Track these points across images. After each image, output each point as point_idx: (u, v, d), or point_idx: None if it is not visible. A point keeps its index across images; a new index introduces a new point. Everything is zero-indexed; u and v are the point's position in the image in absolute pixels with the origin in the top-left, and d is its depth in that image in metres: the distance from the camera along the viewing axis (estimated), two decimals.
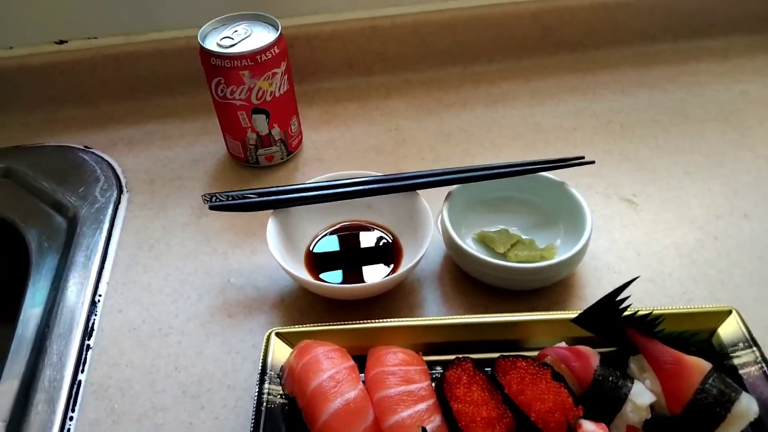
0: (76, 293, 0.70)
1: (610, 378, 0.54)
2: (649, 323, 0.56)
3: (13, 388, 0.62)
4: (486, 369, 0.56)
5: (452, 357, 0.57)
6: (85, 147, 0.91)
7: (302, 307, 0.68)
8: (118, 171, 0.87)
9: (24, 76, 0.94)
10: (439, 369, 0.60)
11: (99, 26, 0.93)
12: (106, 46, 0.94)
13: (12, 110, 0.97)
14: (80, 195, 0.82)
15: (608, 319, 0.57)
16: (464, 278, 0.70)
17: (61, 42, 0.94)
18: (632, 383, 0.54)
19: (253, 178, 0.84)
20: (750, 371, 0.57)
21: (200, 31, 0.77)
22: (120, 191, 0.83)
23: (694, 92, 0.96)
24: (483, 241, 0.72)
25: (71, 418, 0.60)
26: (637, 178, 0.82)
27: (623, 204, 0.78)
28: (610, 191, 0.80)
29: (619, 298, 0.56)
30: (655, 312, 0.57)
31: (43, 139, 0.93)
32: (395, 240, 0.72)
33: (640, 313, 0.57)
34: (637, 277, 0.57)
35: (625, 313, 0.57)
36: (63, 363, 0.64)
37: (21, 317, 0.68)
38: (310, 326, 0.61)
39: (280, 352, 0.60)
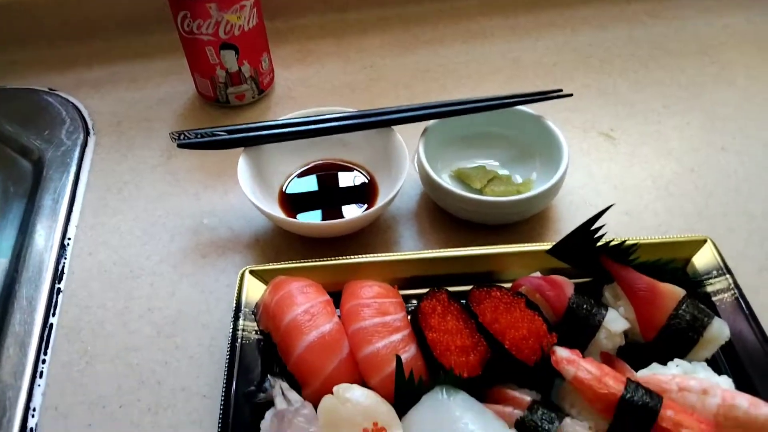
0: (45, 237, 0.68)
1: (584, 306, 0.54)
2: (623, 251, 0.56)
3: None
4: (461, 301, 0.56)
5: (428, 290, 0.57)
6: (50, 89, 0.88)
7: (277, 247, 0.67)
8: (84, 113, 0.84)
9: None
10: (414, 302, 0.59)
11: None
12: None
13: None
14: (46, 138, 0.79)
15: (583, 249, 0.57)
16: (441, 215, 0.69)
17: None
18: (606, 310, 0.54)
19: (223, 117, 0.82)
20: (723, 297, 0.58)
21: None
22: (87, 134, 0.80)
23: (675, 26, 0.94)
24: (459, 177, 0.71)
25: (44, 361, 0.59)
26: (615, 112, 0.81)
27: (601, 138, 0.77)
28: (588, 126, 0.79)
29: (593, 227, 0.56)
30: (629, 241, 0.57)
31: (5, 81, 0.89)
32: (371, 178, 0.71)
33: (614, 242, 0.56)
34: (611, 205, 0.56)
35: (600, 242, 0.56)
36: (33, 307, 0.62)
37: None
38: (285, 263, 0.60)
39: (255, 290, 0.59)
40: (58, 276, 0.65)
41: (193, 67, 0.81)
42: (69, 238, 0.69)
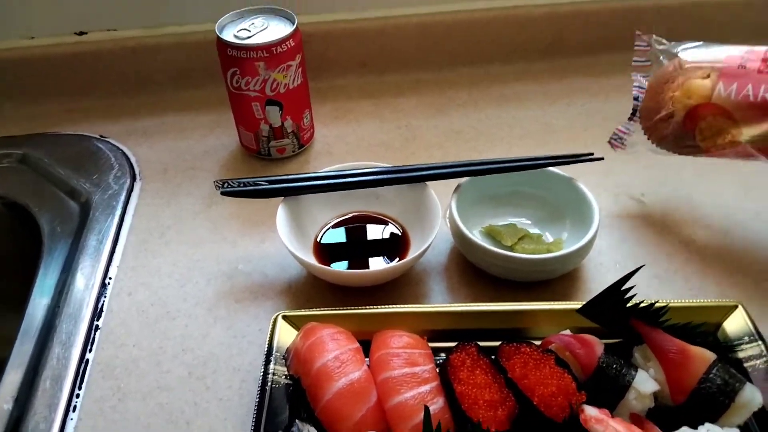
0: (87, 276, 0.71)
1: (614, 366, 0.53)
2: (653, 313, 0.56)
3: (22, 366, 0.63)
4: (491, 356, 0.56)
5: (456, 344, 0.57)
6: (101, 136, 0.92)
7: (309, 294, 0.69)
8: (132, 160, 0.88)
9: (44, 67, 0.96)
10: (442, 356, 0.60)
11: (119, 18, 0.95)
12: (125, 38, 0.96)
13: (31, 100, 0.98)
14: (94, 182, 0.83)
15: (613, 310, 0.57)
16: (471, 270, 0.70)
17: (81, 33, 0.96)
18: (636, 371, 0.53)
19: (264, 170, 0.85)
20: (755, 364, 0.57)
21: (218, 22, 0.78)
22: (133, 179, 0.84)
23: None
24: (490, 234, 0.72)
25: (77, 395, 0.60)
26: (646, 177, 0.82)
27: (632, 202, 0.78)
28: (619, 190, 0.80)
29: (623, 288, 0.56)
30: (659, 303, 0.57)
31: (60, 128, 0.94)
32: (404, 231, 0.73)
33: (644, 303, 0.57)
34: (642, 266, 0.56)
35: (630, 303, 0.57)
36: (71, 342, 0.64)
37: (31, 299, 0.69)
38: (317, 310, 0.62)
39: (286, 335, 0.60)
40: (97, 314, 0.67)
41: (239, 121, 0.85)
42: (110, 278, 0.71)
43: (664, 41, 0.70)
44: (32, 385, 0.61)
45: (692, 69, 0.68)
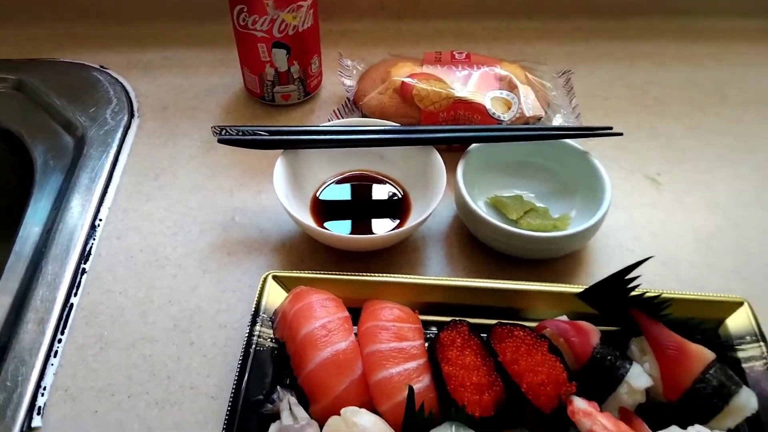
0: (77, 215, 0.69)
1: (609, 357, 0.52)
2: (655, 305, 0.54)
3: (5, 304, 0.62)
4: (482, 335, 0.55)
5: (449, 319, 0.55)
6: (101, 67, 0.89)
7: (303, 253, 0.67)
8: (132, 95, 0.85)
9: None
10: (434, 329, 0.58)
11: None
12: None
13: (31, 20, 0.94)
14: (90, 115, 0.80)
15: (614, 297, 0.55)
16: (471, 241, 0.68)
17: None
18: (630, 365, 0.52)
19: (266, 115, 0.82)
20: (754, 366, 0.55)
21: None
22: (131, 116, 0.81)
23: (737, 72, 0.91)
24: (495, 205, 0.69)
25: (59, 341, 0.59)
26: (664, 156, 0.78)
27: (646, 181, 0.75)
28: (635, 167, 0.77)
29: (628, 277, 0.54)
30: (663, 295, 0.55)
31: (60, 54, 0.91)
32: (405, 195, 0.70)
33: (647, 294, 0.54)
34: (649, 257, 0.54)
35: (633, 293, 0.55)
36: (56, 284, 0.63)
37: (20, 234, 0.67)
38: (309, 273, 0.60)
39: (276, 296, 0.59)
40: (84, 256, 0.66)
41: (244, 62, 0.81)
42: (100, 219, 0.69)
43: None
44: (15, 326, 0.60)
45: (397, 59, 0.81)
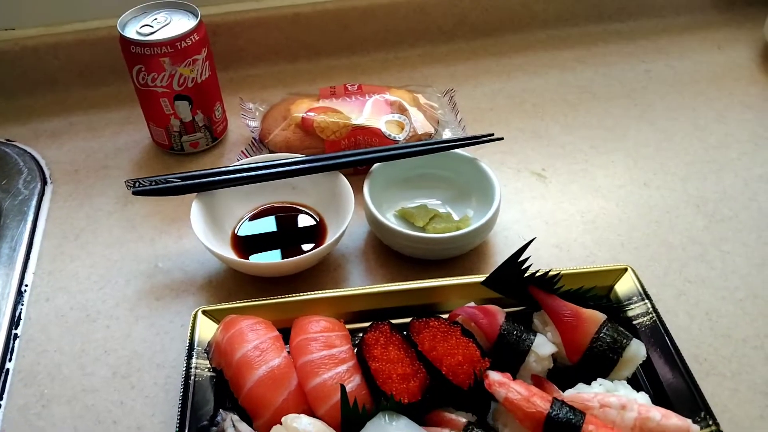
0: (2, 284, 0.70)
1: (515, 332, 0.58)
2: (548, 281, 0.61)
3: None
4: (404, 332, 0.60)
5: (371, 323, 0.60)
6: (7, 140, 0.90)
7: (230, 288, 0.71)
8: (42, 163, 0.86)
9: None
10: (361, 335, 0.63)
11: (17, 17, 0.92)
12: (25, 38, 0.93)
13: None
14: (3, 188, 0.82)
15: (513, 279, 0.62)
16: (386, 252, 0.74)
17: None
18: (535, 336, 0.58)
19: (178, 165, 0.85)
20: (642, 321, 0.63)
21: (119, 19, 0.78)
22: (44, 182, 0.83)
23: (601, 72, 1.02)
24: (404, 216, 0.75)
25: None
26: (546, 153, 0.87)
27: (533, 177, 0.83)
28: (521, 166, 0.85)
29: (521, 259, 0.61)
30: (553, 271, 0.62)
31: None
32: (320, 219, 0.75)
33: (540, 272, 0.61)
34: (534, 239, 0.61)
35: (528, 273, 0.61)
36: None
37: None
38: (236, 303, 0.64)
39: (207, 329, 0.62)
40: (15, 322, 0.67)
41: (149, 117, 0.84)
42: (26, 285, 0.71)
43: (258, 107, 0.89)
44: None
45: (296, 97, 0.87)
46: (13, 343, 0.65)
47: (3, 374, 0.62)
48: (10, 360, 0.64)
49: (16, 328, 0.66)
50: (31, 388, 0.62)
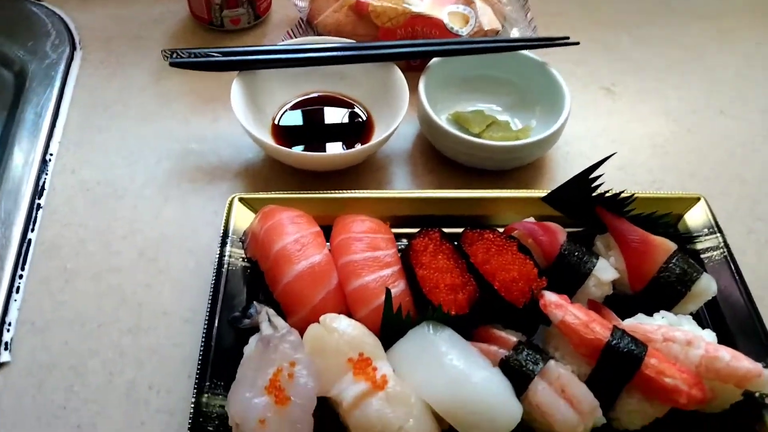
0: (26, 151, 0.66)
1: (576, 253, 0.53)
2: (619, 202, 0.56)
3: None
4: (454, 242, 0.55)
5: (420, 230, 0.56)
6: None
7: (267, 178, 0.66)
8: (71, 27, 0.80)
9: None
10: (405, 242, 0.59)
11: None
12: None
13: None
14: (29, 50, 0.76)
15: (579, 198, 0.56)
16: (436, 157, 0.68)
17: None
18: (597, 259, 0.54)
19: (217, 41, 0.79)
20: (712, 255, 0.58)
21: None
22: (73, 48, 0.77)
23: None
24: (458, 121, 0.69)
25: (21, 276, 0.57)
26: (618, 67, 0.80)
27: (602, 92, 0.76)
28: (589, 79, 0.78)
29: (590, 177, 0.55)
30: (625, 193, 0.56)
31: None
32: (368, 114, 0.69)
33: (610, 192, 0.56)
34: (613, 154, 0.56)
35: (596, 192, 0.56)
36: (11, 221, 0.60)
37: None
38: (276, 193, 0.59)
39: (243, 218, 0.58)
40: (38, 192, 0.63)
41: None
42: (51, 154, 0.66)
43: None
44: None
45: None
46: (36, 213, 0.62)
47: (26, 244, 0.59)
48: (32, 230, 0.60)
49: (39, 198, 0.63)
50: (54, 261, 0.58)
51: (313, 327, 0.48)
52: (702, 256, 0.58)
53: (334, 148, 0.66)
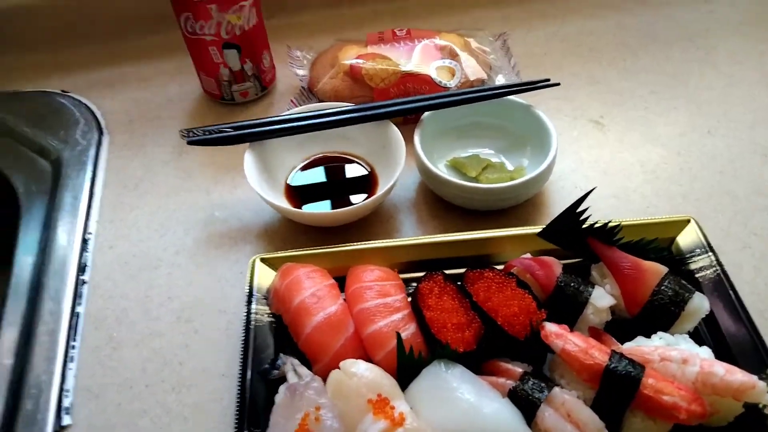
0: (68, 232, 0.73)
1: (572, 284, 0.58)
2: (608, 232, 0.60)
3: (16, 323, 0.65)
4: (457, 282, 0.60)
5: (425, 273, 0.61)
6: (63, 91, 0.92)
7: (284, 237, 0.72)
8: (97, 113, 0.88)
9: None
10: (414, 285, 0.63)
11: None
12: None
13: None
14: (62, 139, 0.83)
15: (571, 231, 0.61)
16: (438, 203, 0.73)
17: None
18: (593, 288, 0.58)
19: (229, 115, 0.86)
20: (706, 274, 0.61)
21: None
22: (100, 133, 0.85)
23: (662, 14, 0.97)
24: (455, 166, 0.74)
25: (73, 347, 0.63)
26: (604, 100, 0.84)
27: (590, 125, 0.81)
28: (578, 113, 0.83)
29: (579, 210, 0.60)
30: (613, 222, 0.61)
31: (16, 85, 0.93)
32: (371, 169, 0.75)
33: (600, 223, 0.60)
34: (594, 188, 0.60)
35: (586, 224, 0.60)
36: (60, 297, 0.67)
37: (16, 257, 0.71)
38: (293, 251, 0.65)
39: (265, 276, 0.63)
40: (81, 268, 0.70)
41: (199, 67, 0.84)
42: (90, 233, 0.73)
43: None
44: (29, 340, 0.63)
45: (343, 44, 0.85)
46: (81, 288, 0.68)
47: (75, 317, 0.65)
48: (79, 304, 0.67)
49: (83, 274, 0.69)
50: (101, 331, 0.65)
51: (334, 373, 0.53)
52: (697, 275, 0.61)
53: (344, 203, 0.72)
